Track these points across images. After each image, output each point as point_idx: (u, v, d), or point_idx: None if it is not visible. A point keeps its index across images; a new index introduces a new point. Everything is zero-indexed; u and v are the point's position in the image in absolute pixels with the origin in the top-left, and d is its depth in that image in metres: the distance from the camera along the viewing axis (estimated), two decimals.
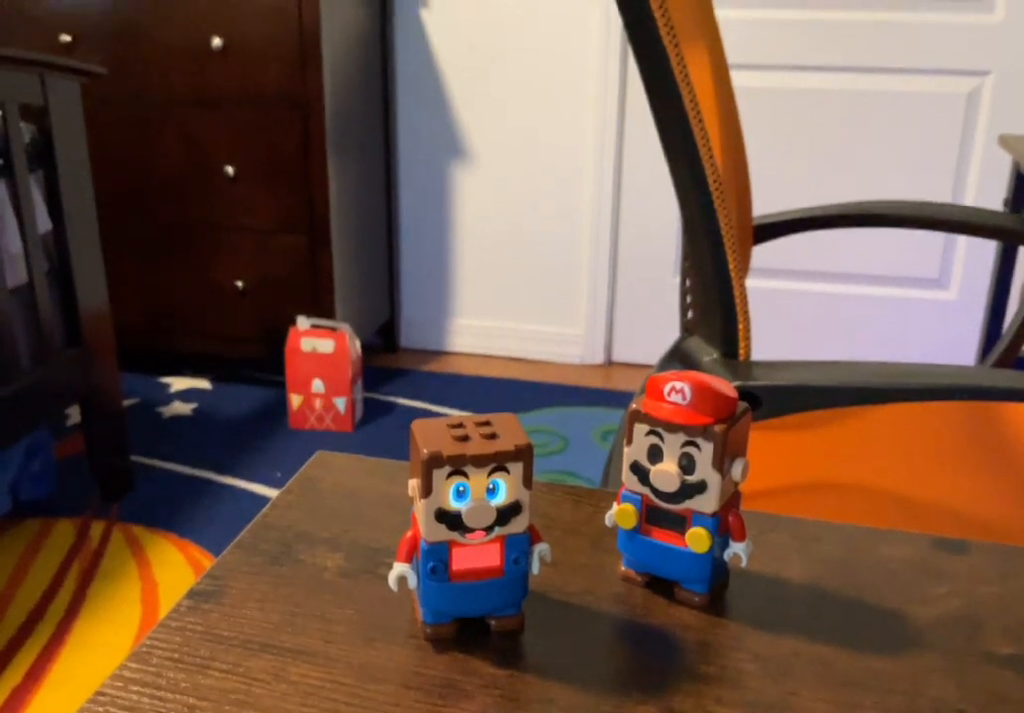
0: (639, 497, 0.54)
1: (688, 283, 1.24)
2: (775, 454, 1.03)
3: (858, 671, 0.50)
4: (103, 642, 1.64)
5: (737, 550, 0.54)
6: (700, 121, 0.82)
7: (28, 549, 1.91)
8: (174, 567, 1.86)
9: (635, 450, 0.54)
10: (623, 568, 0.57)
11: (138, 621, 1.70)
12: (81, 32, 2.45)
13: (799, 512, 0.85)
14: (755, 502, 0.91)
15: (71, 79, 1.83)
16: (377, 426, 2.49)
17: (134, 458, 2.28)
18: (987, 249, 2.61)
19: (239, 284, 2.58)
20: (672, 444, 0.52)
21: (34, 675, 1.56)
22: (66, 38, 2.45)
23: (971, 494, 0.95)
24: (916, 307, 2.73)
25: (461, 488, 0.48)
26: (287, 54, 2.37)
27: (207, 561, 1.87)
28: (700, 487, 0.52)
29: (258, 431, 2.45)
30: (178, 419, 2.51)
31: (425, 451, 0.48)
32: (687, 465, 0.52)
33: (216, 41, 2.37)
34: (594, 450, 2.37)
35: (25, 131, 1.79)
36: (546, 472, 2.25)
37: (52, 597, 1.76)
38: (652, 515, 0.54)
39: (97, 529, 1.99)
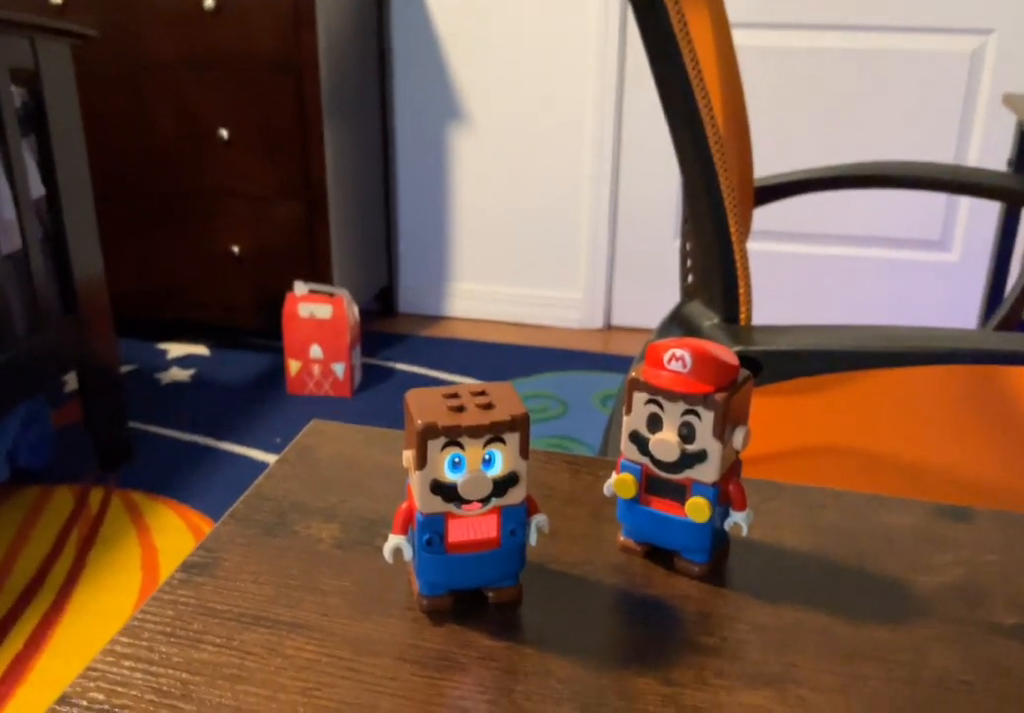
0: (638, 467, 0.53)
1: (688, 246, 1.23)
2: (776, 419, 1.02)
3: (861, 641, 0.49)
4: (104, 609, 1.65)
5: (738, 519, 0.53)
6: (701, 80, 0.80)
7: (27, 517, 1.91)
8: (174, 533, 1.86)
9: (634, 419, 0.53)
10: (622, 538, 0.56)
11: (138, 587, 1.70)
12: None
13: (800, 478, 0.84)
14: (756, 467, 0.91)
15: (62, 42, 1.80)
16: (376, 391, 2.49)
17: (132, 425, 2.28)
18: (990, 211, 2.59)
19: (235, 250, 2.56)
20: (672, 413, 0.51)
21: (35, 642, 1.57)
22: (57, 1, 2.41)
23: (974, 459, 0.94)
24: (918, 269, 2.71)
25: (457, 459, 0.47)
26: (281, 15, 2.33)
27: (207, 527, 1.88)
28: (700, 456, 0.51)
29: (256, 397, 2.44)
30: (176, 385, 2.51)
31: (420, 422, 0.47)
32: (687, 434, 0.51)
33: (208, 2, 2.33)
34: (594, 415, 2.37)
35: (16, 95, 1.77)
36: (546, 437, 2.25)
37: (52, 565, 1.76)
38: (652, 485, 0.53)
39: (96, 496, 1.98)
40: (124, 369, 2.58)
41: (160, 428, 2.27)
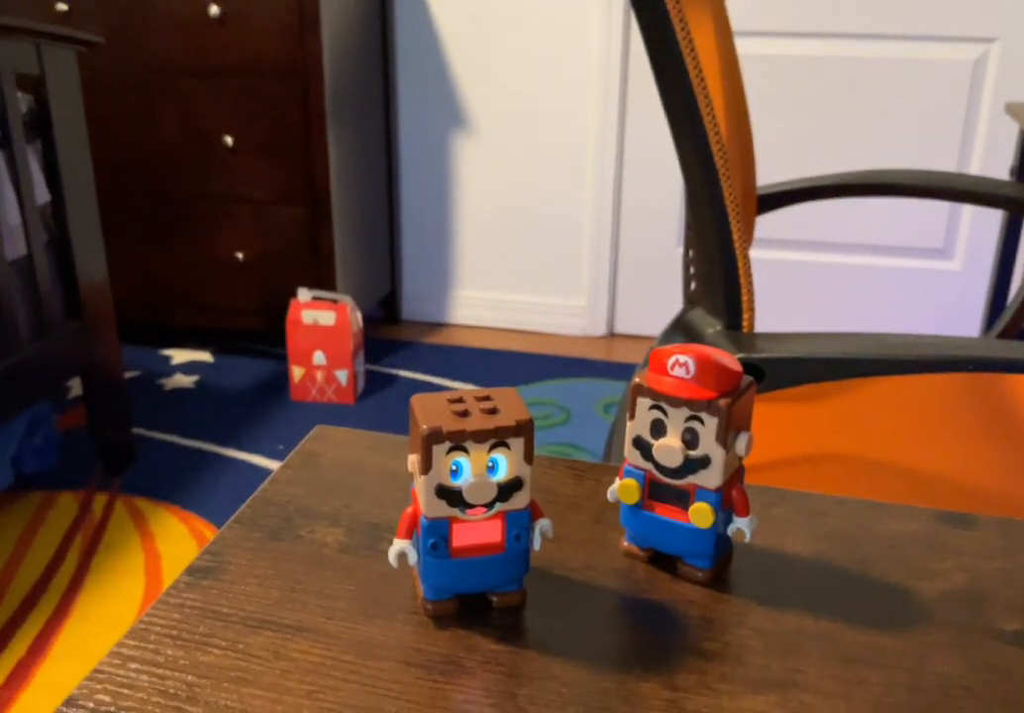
0: (642, 472, 0.54)
1: (691, 254, 1.23)
2: (779, 426, 1.02)
3: (863, 647, 0.49)
4: (107, 615, 1.65)
5: (741, 525, 0.53)
6: (704, 89, 0.80)
7: (31, 523, 1.91)
8: (177, 539, 1.86)
9: (638, 424, 0.53)
10: (625, 543, 0.56)
11: (141, 593, 1.70)
12: (77, 1, 2.43)
13: (803, 485, 0.84)
14: (758, 474, 0.91)
15: (68, 48, 1.81)
16: (379, 398, 2.49)
17: (136, 430, 2.28)
18: (992, 219, 2.59)
19: (239, 256, 2.56)
20: (675, 418, 0.51)
21: (38, 648, 1.57)
22: (62, 7, 2.42)
23: (976, 467, 0.94)
24: (920, 277, 2.71)
25: (461, 464, 0.48)
26: (286, 23, 2.34)
27: (210, 533, 1.88)
28: (704, 462, 0.51)
29: (260, 403, 2.45)
30: (180, 391, 2.51)
31: (425, 427, 0.47)
32: (691, 440, 0.51)
33: (214, 9, 2.34)
34: (596, 422, 2.37)
35: (22, 101, 1.77)
36: (548, 445, 2.25)
37: (55, 570, 1.76)
38: (655, 490, 0.54)
39: (100, 502, 1.99)
40: (128, 375, 2.59)
41: (163, 434, 2.28)
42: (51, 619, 1.63)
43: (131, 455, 2.13)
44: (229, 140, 2.46)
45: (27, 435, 2.02)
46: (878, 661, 0.48)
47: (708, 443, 0.51)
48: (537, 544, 0.51)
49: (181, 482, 2.06)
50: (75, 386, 2.51)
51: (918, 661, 0.48)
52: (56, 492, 2.02)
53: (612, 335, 2.97)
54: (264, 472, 2.10)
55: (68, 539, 1.86)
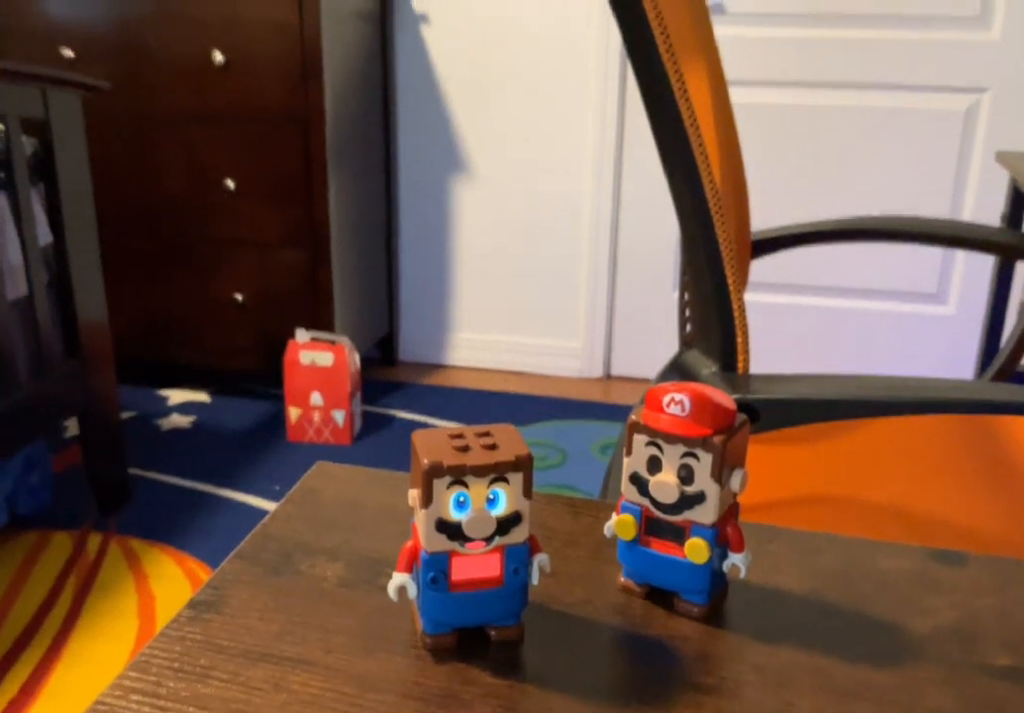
0: (638, 508, 0.54)
1: (687, 297, 1.24)
2: (773, 467, 1.03)
3: (856, 682, 0.50)
4: (99, 655, 1.64)
5: (736, 561, 0.54)
6: (699, 137, 0.82)
7: (25, 562, 1.91)
8: (171, 580, 1.85)
9: (634, 461, 0.54)
10: (622, 579, 0.57)
11: (135, 634, 1.69)
12: (83, 47, 2.46)
13: (797, 525, 0.85)
14: (753, 515, 0.91)
15: (73, 93, 1.84)
16: (375, 439, 2.49)
17: (132, 470, 2.28)
18: (985, 264, 2.62)
19: (239, 297, 2.58)
20: (671, 455, 0.52)
21: (30, 688, 1.56)
22: (68, 53, 2.46)
23: (969, 507, 0.95)
24: (914, 322, 2.73)
25: (461, 498, 0.48)
26: (289, 70, 2.38)
27: (204, 574, 1.87)
28: (699, 498, 0.52)
29: (256, 444, 2.45)
30: (176, 432, 2.51)
31: (426, 461, 0.48)
32: (686, 476, 0.52)
33: (218, 57, 2.38)
34: (593, 464, 2.37)
35: (27, 144, 1.80)
36: (545, 486, 2.25)
37: (49, 610, 1.76)
38: (651, 526, 0.54)
39: (94, 542, 1.98)
40: (125, 415, 2.59)
41: (159, 474, 2.28)
42: (44, 660, 1.62)
43: (126, 495, 2.13)
44: (231, 184, 2.49)
45: (23, 474, 2.02)
46: (871, 696, 0.49)
47: (703, 479, 0.52)
48: (535, 578, 0.52)
49: (176, 523, 2.06)
50: (72, 425, 2.52)
51: (910, 696, 0.49)
52: (51, 532, 2.02)
53: (609, 377, 2.98)
54: (260, 513, 2.10)
55: (62, 579, 1.85)
